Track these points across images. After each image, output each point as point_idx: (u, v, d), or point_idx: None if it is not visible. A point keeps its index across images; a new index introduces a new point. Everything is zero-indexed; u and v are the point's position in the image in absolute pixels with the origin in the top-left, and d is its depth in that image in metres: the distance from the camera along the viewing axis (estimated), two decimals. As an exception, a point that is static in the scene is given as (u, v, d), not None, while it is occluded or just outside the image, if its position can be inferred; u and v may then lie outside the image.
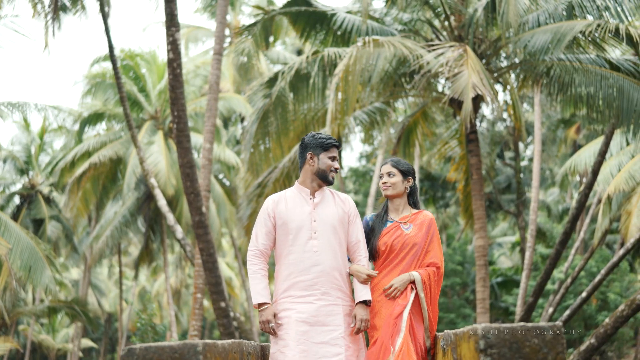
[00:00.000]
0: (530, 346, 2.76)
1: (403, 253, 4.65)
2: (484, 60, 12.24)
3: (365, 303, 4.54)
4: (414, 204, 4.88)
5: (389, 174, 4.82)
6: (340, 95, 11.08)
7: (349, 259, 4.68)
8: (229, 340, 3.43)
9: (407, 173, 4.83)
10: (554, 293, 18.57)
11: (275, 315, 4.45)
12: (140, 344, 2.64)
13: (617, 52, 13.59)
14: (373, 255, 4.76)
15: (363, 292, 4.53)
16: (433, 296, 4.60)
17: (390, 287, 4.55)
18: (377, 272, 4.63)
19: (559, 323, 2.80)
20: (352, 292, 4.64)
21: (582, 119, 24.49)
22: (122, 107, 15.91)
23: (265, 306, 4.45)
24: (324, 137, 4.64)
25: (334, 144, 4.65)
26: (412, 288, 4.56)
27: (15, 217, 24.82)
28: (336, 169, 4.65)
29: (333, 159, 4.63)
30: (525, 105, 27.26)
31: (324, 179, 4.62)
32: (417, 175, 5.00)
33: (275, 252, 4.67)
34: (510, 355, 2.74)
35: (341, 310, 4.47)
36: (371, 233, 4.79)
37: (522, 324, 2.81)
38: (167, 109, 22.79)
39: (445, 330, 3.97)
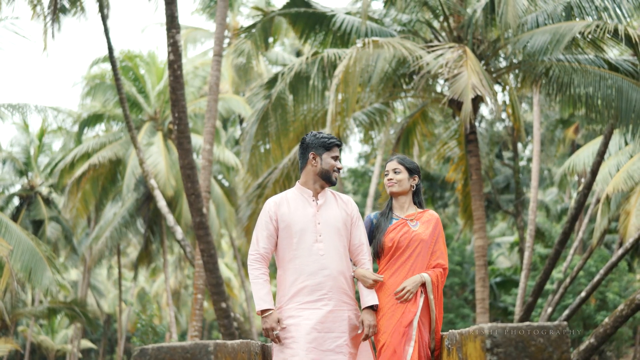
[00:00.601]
0: (535, 345, 2.79)
1: (410, 250, 4.55)
2: (483, 61, 12.28)
3: (372, 308, 4.45)
4: (419, 203, 4.77)
5: (394, 171, 4.72)
6: (340, 96, 11.11)
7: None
8: (238, 341, 3.47)
9: (413, 171, 4.74)
10: (553, 293, 18.60)
11: (279, 322, 4.30)
12: (152, 345, 2.67)
13: (614, 52, 13.63)
14: (378, 253, 4.66)
15: (370, 297, 4.44)
16: (439, 297, 4.53)
17: (402, 289, 4.46)
18: (382, 276, 4.53)
19: (564, 322, 2.84)
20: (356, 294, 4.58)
21: (581, 119, 24.56)
22: (122, 108, 15.92)
23: (269, 312, 4.31)
24: (326, 136, 4.52)
25: (337, 143, 4.53)
26: (421, 292, 4.47)
27: (14, 218, 24.85)
28: (339, 168, 4.52)
29: (336, 158, 4.51)
30: (523, 105, 27.32)
31: (327, 179, 4.50)
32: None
33: (277, 256, 4.52)
34: (516, 355, 2.78)
35: (346, 316, 4.38)
36: (376, 230, 4.68)
37: (527, 323, 2.85)
38: (167, 110, 22.83)
39: (450, 330, 4.00)
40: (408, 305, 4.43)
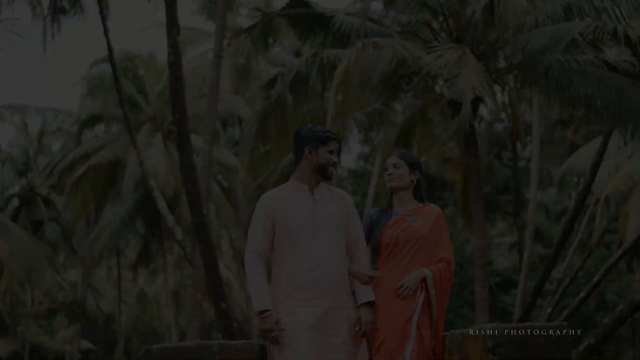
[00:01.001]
0: (536, 345, 2.81)
1: (408, 246, 4.45)
2: (482, 62, 12.29)
3: (370, 304, 4.36)
4: (420, 198, 4.67)
5: (395, 165, 4.62)
6: (339, 97, 11.13)
7: None
8: (241, 341, 3.49)
9: (414, 165, 4.64)
10: (552, 293, 18.60)
11: (277, 322, 4.18)
12: (157, 345, 2.69)
13: (614, 52, 13.64)
14: (376, 250, 4.57)
15: (366, 293, 4.35)
16: (443, 294, 4.42)
17: (401, 286, 4.37)
18: (378, 272, 4.43)
19: (564, 323, 2.85)
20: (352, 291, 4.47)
21: (580, 120, 24.55)
22: (121, 109, 15.92)
23: (268, 313, 4.20)
24: (322, 129, 4.42)
25: (333, 137, 4.42)
26: (422, 288, 4.37)
27: (13, 219, 24.81)
28: (335, 163, 4.41)
29: (332, 152, 4.39)
30: (523, 105, 27.29)
31: (323, 174, 4.38)
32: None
33: (272, 253, 4.40)
34: (517, 354, 2.79)
35: (344, 314, 4.29)
36: (375, 227, 4.59)
37: (529, 323, 2.87)
38: (166, 110, 22.83)
39: (451, 330, 4.00)
40: (407, 302, 4.34)
